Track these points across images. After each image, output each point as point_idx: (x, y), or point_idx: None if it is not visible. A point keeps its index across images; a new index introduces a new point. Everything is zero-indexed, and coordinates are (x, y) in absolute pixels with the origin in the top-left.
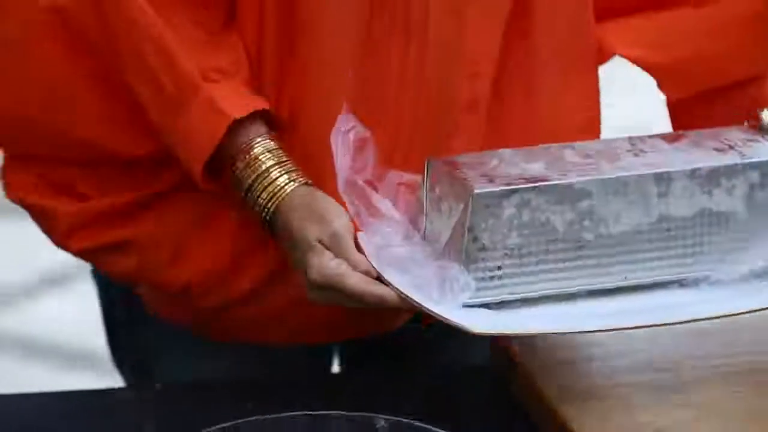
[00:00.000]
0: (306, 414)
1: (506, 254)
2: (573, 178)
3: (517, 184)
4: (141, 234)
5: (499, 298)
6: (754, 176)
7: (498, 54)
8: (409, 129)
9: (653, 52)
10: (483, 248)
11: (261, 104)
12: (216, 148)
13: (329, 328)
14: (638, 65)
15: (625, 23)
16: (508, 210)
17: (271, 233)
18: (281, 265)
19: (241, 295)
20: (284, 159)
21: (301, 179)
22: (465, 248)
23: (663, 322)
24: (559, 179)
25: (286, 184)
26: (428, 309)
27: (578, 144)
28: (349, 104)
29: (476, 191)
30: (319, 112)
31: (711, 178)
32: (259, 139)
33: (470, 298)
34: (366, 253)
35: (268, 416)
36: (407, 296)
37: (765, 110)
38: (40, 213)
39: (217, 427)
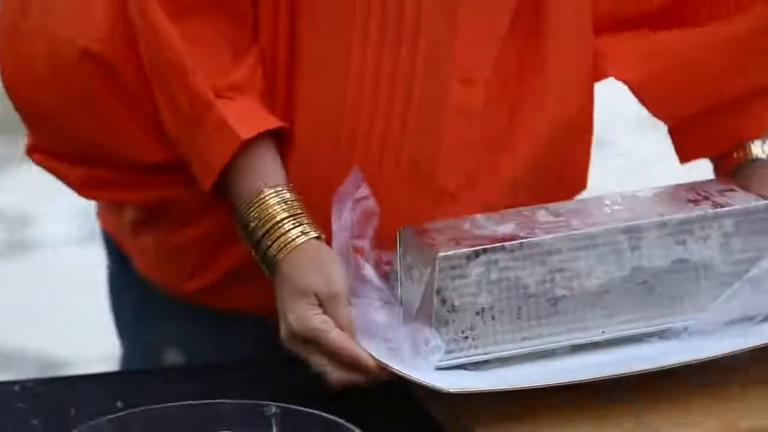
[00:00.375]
0: (196, 403)
1: (477, 314)
2: (540, 236)
3: (484, 245)
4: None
5: (473, 359)
6: (728, 225)
7: (495, 58)
8: (397, 130)
9: (644, 74)
10: (453, 309)
11: (272, 123)
12: (226, 167)
13: None
14: (627, 85)
15: (618, 42)
16: (476, 270)
17: (267, 272)
18: None
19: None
20: (298, 212)
21: (313, 233)
22: (435, 311)
23: (642, 369)
24: (526, 238)
25: (298, 237)
26: (402, 373)
27: (552, 205)
28: (347, 104)
29: (441, 254)
30: (318, 114)
31: (683, 228)
32: (272, 191)
33: (443, 360)
34: None
35: (155, 406)
36: (381, 361)
37: (753, 141)
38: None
39: (119, 414)
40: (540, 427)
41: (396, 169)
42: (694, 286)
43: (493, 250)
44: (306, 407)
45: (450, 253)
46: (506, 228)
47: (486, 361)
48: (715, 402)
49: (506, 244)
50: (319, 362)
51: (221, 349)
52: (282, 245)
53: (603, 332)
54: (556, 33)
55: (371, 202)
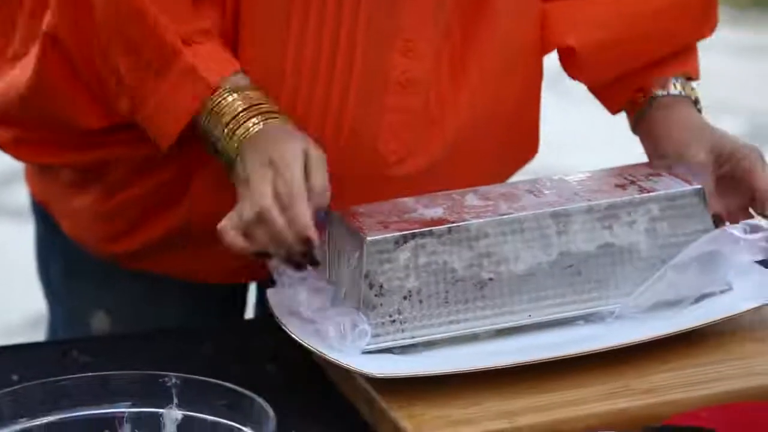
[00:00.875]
0: (93, 375)
1: (405, 298)
2: (468, 220)
3: (411, 229)
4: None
5: (400, 342)
6: (654, 209)
7: (440, 28)
8: (338, 99)
9: (587, 41)
10: (380, 293)
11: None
12: (197, 111)
13: (250, 269)
14: (563, 52)
15: (562, 8)
16: (404, 254)
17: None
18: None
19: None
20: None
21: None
22: (362, 295)
23: (568, 354)
24: (454, 222)
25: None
26: (328, 356)
27: (482, 188)
28: (287, 71)
29: (369, 238)
30: (260, 81)
31: (610, 213)
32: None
33: (370, 344)
34: (271, 303)
35: (51, 379)
36: (309, 345)
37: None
38: None
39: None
40: (452, 409)
41: (337, 138)
42: (620, 271)
43: (422, 234)
44: (209, 377)
45: (378, 237)
46: (435, 212)
47: (412, 345)
48: None
49: (434, 228)
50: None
51: (147, 315)
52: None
53: (530, 316)
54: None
55: None
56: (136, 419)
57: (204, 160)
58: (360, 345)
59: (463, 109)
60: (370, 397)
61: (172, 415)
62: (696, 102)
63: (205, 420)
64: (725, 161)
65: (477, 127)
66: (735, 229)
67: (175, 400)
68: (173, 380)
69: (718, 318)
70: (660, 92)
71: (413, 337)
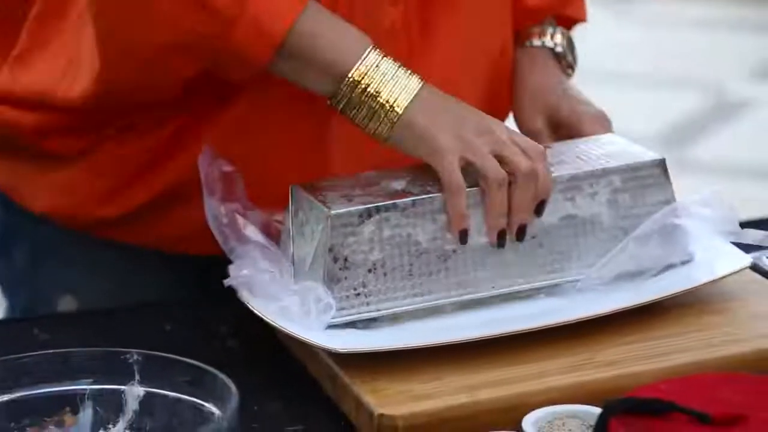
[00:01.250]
0: (54, 352)
1: (369, 271)
2: (432, 193)
3: (375, 202)
4: None
5: (365, 315)
6: (616, 181)
7: None
8: None
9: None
10: (344, 267)
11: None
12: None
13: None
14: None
15: None
16: (368, 228)
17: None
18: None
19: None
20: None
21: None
22: (327, 268)
23: (531, 328)
24: (418, 195)
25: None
26: (291, 332)
27: None
28: None
29: (333, 212)
30: None
31: (572, 185)
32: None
33: (335, 318)
34: (233, 279)
35: (12, 356)
36: (272, 321)
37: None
38: None
39: None
40: (415, 384)
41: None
42: (582, 242)
43: (386, 207)
44: (171, 354)
45: (342, 211)
46: (398, 184)
47: (376, 320)
48: None
49: (398, 201)
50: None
51: (119, 294)
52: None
53: (493, 287)
54: None
55: (223, 163)
56: (98, 396)
57: (210, 110)
58: (324, 320)
59: (437, 60)
60: (332, 373)
61: (134, 391)
62: (560, 55)
63: (167, 396)
64: (561, 125)
65: (451, 81)
66: (695, 201)
67: (137, 377)
68: (135, 357)
69: (679, 291)
70: (527, 42)
71: (378, 310)
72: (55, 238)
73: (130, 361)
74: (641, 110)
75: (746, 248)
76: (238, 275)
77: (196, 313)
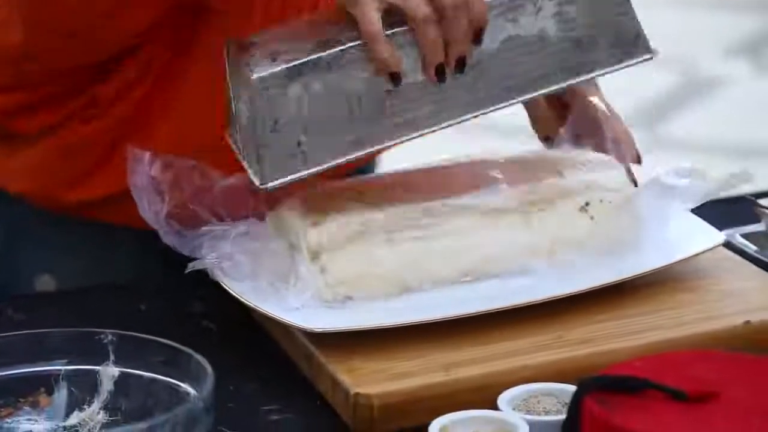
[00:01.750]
0: (28, 333)
1: (303, 129)
2: (360, 40)
3: (301, 59)
4: None
5: (305, 173)
6: None
7: None
8: None
9: None
10: (275, 130)
11: None
12: None
13: None
14: None
15: None
16: (294, 87)
17: None
18: None
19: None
20: None
21: None
22: (259, 134)
23: (507, 305)
24: (348, 43)
25: None
26: (268, 312)
27: None
28: None
29: (255, 76)
30: None
31: (513, 4)
32: None
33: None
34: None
35: None
36: (247, 301)
37: None
38: None
39: None
40: (391, 363)
41: None
42: (528, 61)
43: (312, 62)
44: (146, 334)
45: (266, 74)
46: (329, 33)
47: (350, 298)
48: None
49: (323, 55)
50: None
51: (91, 273)
52: None
53: (437, 123)
54: None
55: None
56: (73, 377)
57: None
58: (300, 299)
59: None
60: (308, 352)
61: (109, 372)
62: None
63: (141, 377)
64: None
65: None
66: (668, 177)
67: (112, 357)
68: (109, 337)
69: (652, 269)
70: None
71: (319, 165)
72: (31, 217)
73: (105, 341)
74: (616, 87)
75: (720, 226)
76: (206, 259)
77: (172, 293)
